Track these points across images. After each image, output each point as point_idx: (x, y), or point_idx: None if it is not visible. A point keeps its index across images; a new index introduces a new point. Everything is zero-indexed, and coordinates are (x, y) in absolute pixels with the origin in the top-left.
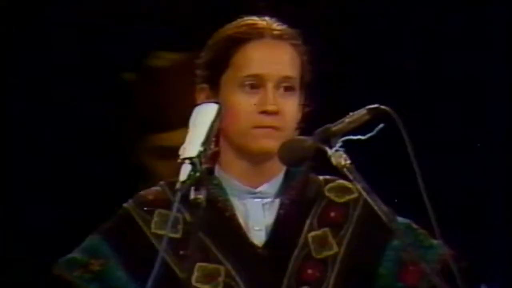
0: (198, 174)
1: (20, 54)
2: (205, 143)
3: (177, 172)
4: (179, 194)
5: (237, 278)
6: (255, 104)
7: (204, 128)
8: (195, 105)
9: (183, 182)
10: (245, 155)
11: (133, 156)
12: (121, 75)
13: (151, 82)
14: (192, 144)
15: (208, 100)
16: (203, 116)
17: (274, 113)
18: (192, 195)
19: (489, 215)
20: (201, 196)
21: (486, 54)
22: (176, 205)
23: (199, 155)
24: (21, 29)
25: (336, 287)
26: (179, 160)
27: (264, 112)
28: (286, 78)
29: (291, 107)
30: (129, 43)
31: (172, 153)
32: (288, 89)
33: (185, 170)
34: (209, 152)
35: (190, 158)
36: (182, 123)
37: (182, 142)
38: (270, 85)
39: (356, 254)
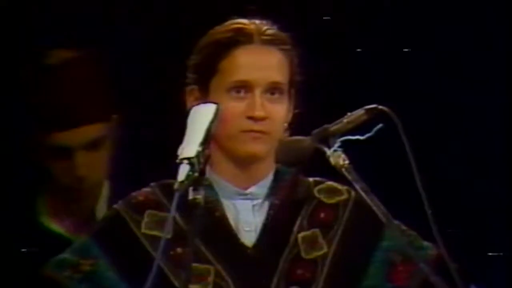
0: (196, 174)
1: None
2: (203, 143)
3: (71, 173)
4: (177, 194)
5: (227, 279)
6: (242, 110)
7: (202, 128)
8: (107, 103)
9: (181, 182)
10: (234, 158)
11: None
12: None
13: (47, 80)
14: (190, 144)
15: (198, 102)
16: (201, 117)
17: (262, 119)
18: (190, 195)
19: (488, 214)
20: (200, 196)
21: (486, 53)
22: (174, 205)
23: (197, 155)
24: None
25: (326, 287)
26: (177, 161)
27: (252, 118)
28: (274, 83)
29: (279, 112)
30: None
31: (68, 153)
32: (276, 93)
33: (184, 170)
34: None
35: (188, 158)
36: (80, 121)
37: (79, 142)
38: (257, 91)
39: (346, 254)
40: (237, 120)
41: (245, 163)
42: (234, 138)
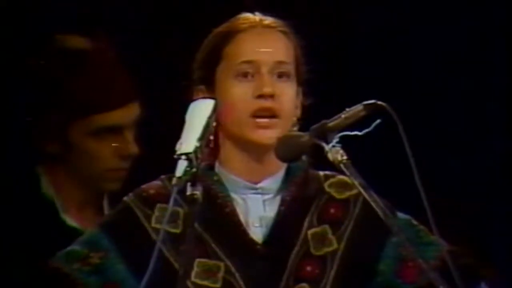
0: (194, 169)
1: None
2: (201, 138)
3: (121, 151)
4: (175, 189)
5: (237, 275)
6: (251, 92)
7: (200, 124)
8: (130, 83)
9: (179, 177)
10: (244, 148)
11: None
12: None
13: (79, 64)
14: (188, 139)
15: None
16: (199, 112)
17: (271, 96)
18: (188, 191)
19: (487, 210)
20: (198, 192)
21: (486, 53)
22: (172, 200)
23: (195, 151)
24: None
25: (335, 284)
26: (175, 156)
27: (261, 96)
28: (280, 63)
29: (287, 93)
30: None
31: (120, 131)
32: (283, 75)
33: (181, 166)
34: (205, 148)
35: (186, 154)
36: (127, 99)
37: (129, 119)
38: (264, 70)
39: (356, 250)
40: (247, 102)
41: (255, 153)
42: (243, 125)
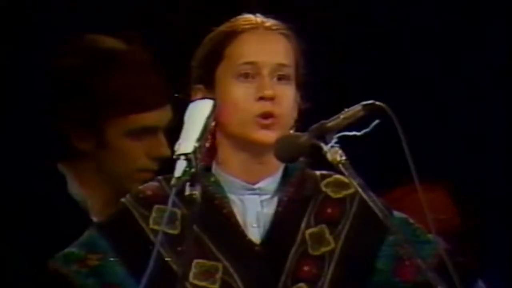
0: (193, 170)
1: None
2: (200, 139)
3: (153, 152)
4: (174, 190)
5: (235, 276)
6: (252, 93)
7: (199, 124)
8: (166, 85)
9: (178, 178)
10: (243, 147)
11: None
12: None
13: (113, 65)
14: (187, 140)
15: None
16: (198, 112)
17: (271, 98)
18: (187, 191)
19: (486, 211)
20: (196, 192)
21: (484, 50)
22: (171, 200)
23: (194, 151)
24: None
25: (333, 283)
26: (174, 156)
27: (262, 98)
28: (281, 65)
29: (287, 95)
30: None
31: (154, 132)
32: (283, 78)
33: (180, 166)
34: (204, 148)
35: (185, 154)
36: (164, 101)
37: (165, 121)
38: (265, 72)
39: (353, 249)
40: (248, 104)
41: (255, 152)
42: (246, 124)
